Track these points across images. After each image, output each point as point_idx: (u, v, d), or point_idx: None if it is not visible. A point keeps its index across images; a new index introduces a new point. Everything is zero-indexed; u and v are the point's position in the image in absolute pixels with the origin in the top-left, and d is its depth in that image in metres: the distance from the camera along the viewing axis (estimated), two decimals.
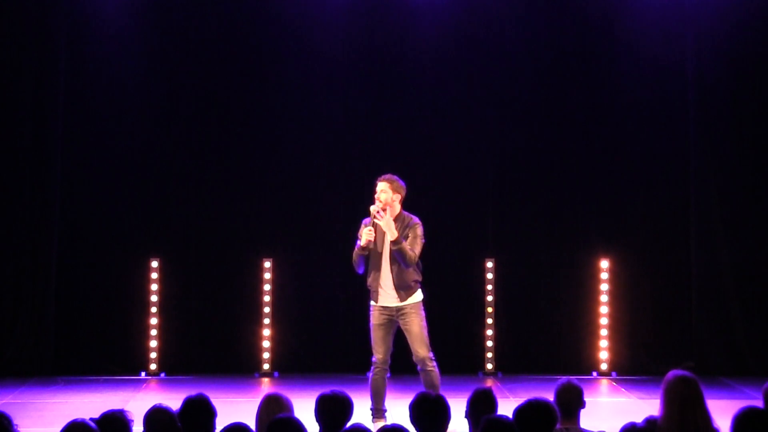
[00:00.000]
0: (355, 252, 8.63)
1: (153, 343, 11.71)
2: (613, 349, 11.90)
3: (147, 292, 11.74)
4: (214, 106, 12.02)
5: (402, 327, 8.65)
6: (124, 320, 11.78)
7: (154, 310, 11.73)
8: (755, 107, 12.03)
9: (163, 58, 11.99)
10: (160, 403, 5.39)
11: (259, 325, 11.76)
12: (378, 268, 8.59)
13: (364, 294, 11.79)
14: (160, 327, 11.74)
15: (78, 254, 11.85)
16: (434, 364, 8.56)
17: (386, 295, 8.59)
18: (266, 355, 11.73)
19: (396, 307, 8.58)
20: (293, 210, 12.03)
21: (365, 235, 8.53)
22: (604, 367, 11.85)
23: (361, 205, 12.03)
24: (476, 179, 12.03)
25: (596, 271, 11.95)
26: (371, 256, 8.61)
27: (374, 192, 8.73)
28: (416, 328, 8.56)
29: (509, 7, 12.06)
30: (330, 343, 11.94)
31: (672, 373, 5.29)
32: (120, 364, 11.74)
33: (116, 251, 11.82)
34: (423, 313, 8.65)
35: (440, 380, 8.49)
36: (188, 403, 5.31)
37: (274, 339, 11.78)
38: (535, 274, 12.08)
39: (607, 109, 12.14)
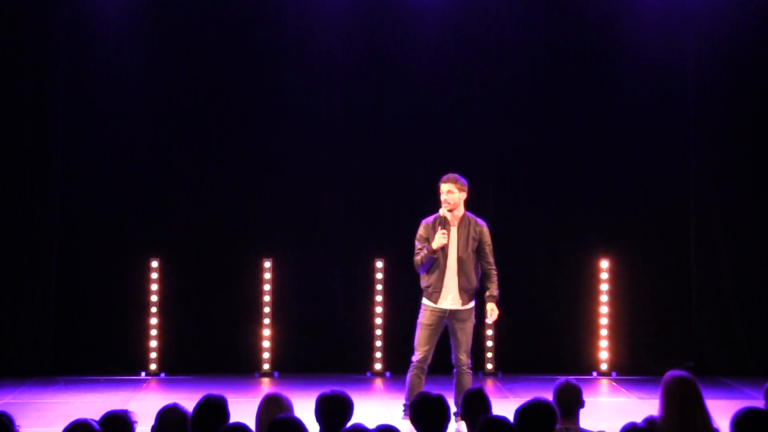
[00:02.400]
0: (423, 255, 8.57)
1: (153, 343, 11.70)
2: (613, 349, 11.90)
3: (147, 292, 11.74)
4: (214, 106, 12.01)
5: (452, 329, 8.67)
6: (124, 320, 11.78)
7: (154, 310, 11.72)
8: (755, 107, 12.03)
9: (163, 58, 11.99)
10: (176, 403, 5.40)
11: (259, 325, 11.76)
12: (443, 270, 8.59)
13: (363, 294, 11.88)
14: (160, 327, 11.74)
15: (78, 254, 11.84)
16: (471, 370, 8.68)
17: (448, 297, 8.60)
18: (266, 355, 11.73)
19: (454, 309, 8.60)
20: (293, 210, 12.04)
21: (440, 238, 8.50)
22: (604, 367, 11.85)
23: (361, 204, 12.10)
24: (476, 179, 12.00)
25: (596, 271, 11.95)
26: (438, 257, 8.60)
27: (438, 194, 8.70)
28: (465, 335, 8.64)
29: (509, 7, 12.07)
30: (330, 343, 11.94)
31: (670, 374, 5.29)
32: (120, 364, 11.74)
33: (116, 251, 11.81)
34: (474, 319, 8.73)
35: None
36: (206, 401, 5.31)
37: (274, 339, 11.78)
38: (535, 274, 12.08)
39: (607, 109, 12.15)
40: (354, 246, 11.98)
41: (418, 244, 8.66)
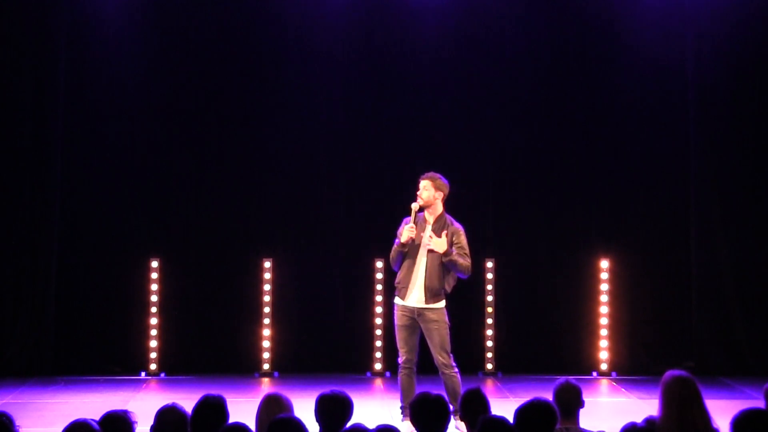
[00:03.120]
0: (394, 249, 8.68)
1: (153, 343, 11.70)
2: (613, 349, 11.91)
3: (147, 292, 11.74)
4: (214, 106, 12.01)
5: (423, 330, 8.68)
6: (124, 320, 11.78)
7: (154, 310, 11.72)
8: (755, 107, 12.03)
9: (163, 58, 11.99)
10: (175, 403, 5.39)
11: (259, 325, 11.76)
12: (412, 265, 8.63)
13: (363, 294, 11.88)
14: (160, 327, 11.74)
15: (78, 254, 11.84)
16: (455, 369, 8.64)
17: (414, 294, 8.61)
18: (266, 355, 11.73)
19: (419, 308, 8.60)
20: (293, 210, 12.04)
21: (407, 232, 8.57)
22: (604, 367, 11.85)
23: (361, 204, 12.10)
24: (476, 179, 12.04)
25: (596, 271, 11.95)
26: (408, 252, 8.64)
27: (417, 189, 8.76)
28: (436, 335, 8.61)
29: (509, 7, 12.07)
30: (330, 343, 11.94)
31: (669, 374, 5.29)
32: (120, 364, 11.74)
33: (116, 251, 11.81)
34: (447, 318, 8.70)
35: (461, 384, 8.46)
36: (205, 401, 5.30)
37: (274, 339, 11.78)
38: (535, 274, 12.08)
39: (607, 109, 12.15)
40: (354, 246, 11.97)
41: (395, 241, 8.73)
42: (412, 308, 8.62)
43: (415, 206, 8.69)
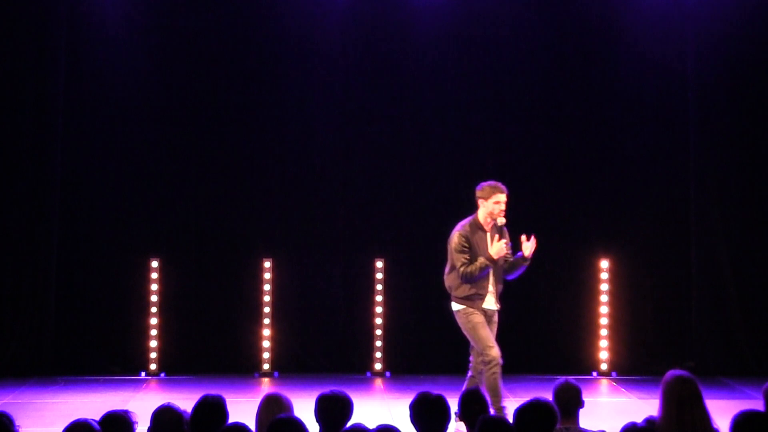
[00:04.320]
0: (479, 267, 8.52)
1: (153, 343, 11.71)
2: (613, 349, 11.90)
3: (147, 292, 11.74)
4: (214, 106, 12.01)
5: None
6: (124, 320, 11.78)
7: (154, 310, 11.72)
8: (755, 107, 12.03)
9: (163, 58, 11.99)
10: (170, 403, 5.38)
11: (259, 325, 11.76)
12: (487, 276, 8.67)
13: (363, 294, 11.88)
14: (160, 327, 11.73)
15: (78, 254, 11.84)
16: None
17: (490, 301, 8.68)
18: (266, 355, 11.73)
19: (492, 310, 8.69)
20: (293, 210, 12.04)
21: (502, 248, 8.58)
22: (604, 367, 11.85)
23: (360, 204, 12.09)
24: (476, 179, 11.99)
25: (596, 271, 11.95)
26: None
27: (476, 199, 8.82)
28: (494, 336, 8.69)
29: (509, 8, 12.06)
30: (330, 343, 11.94)
31: (670, 373, 5.29)
32: (120, 364, 11.74)
33: (116, 251, 11.81)
34: None
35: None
36: (205, 401, 5.30)
37: (274, 339, 11.78)
38: (534, 274, 12.04)
39: (607, 109, 12.14)
40: (354, 246, 11.97)
41: (462, 256, 8.59)
42: (485, 309, 8.66)
43: (501, 221, 8.76)
